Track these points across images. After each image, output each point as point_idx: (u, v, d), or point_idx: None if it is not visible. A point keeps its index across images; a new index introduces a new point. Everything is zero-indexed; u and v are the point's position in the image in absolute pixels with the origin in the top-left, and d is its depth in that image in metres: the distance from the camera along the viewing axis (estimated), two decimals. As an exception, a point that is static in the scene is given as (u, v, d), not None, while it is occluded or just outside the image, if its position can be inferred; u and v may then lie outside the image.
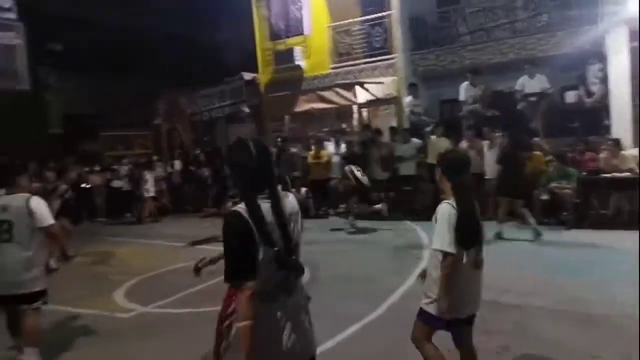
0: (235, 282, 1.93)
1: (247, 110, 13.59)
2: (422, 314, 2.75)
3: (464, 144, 8.74)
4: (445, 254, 2.58)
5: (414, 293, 4.99)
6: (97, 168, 12.80)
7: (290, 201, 2.08)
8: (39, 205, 3.67)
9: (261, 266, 1.89)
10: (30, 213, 3.60)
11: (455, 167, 2.71)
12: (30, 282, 3.60)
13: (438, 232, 2.62)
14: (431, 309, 2.68)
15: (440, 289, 2.60)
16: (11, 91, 10.67)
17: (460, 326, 2.75)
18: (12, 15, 10.47)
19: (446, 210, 2.62)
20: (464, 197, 2.64)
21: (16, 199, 3.65)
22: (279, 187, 2.05)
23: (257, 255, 1.88)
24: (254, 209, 1.92)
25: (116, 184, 12.66)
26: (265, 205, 1.95)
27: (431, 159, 9.19)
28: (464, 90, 9.45)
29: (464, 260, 2.61)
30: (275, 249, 1.90)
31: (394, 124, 11.09)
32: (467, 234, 2.59)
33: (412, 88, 10.69)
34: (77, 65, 15.98)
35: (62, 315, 5.00)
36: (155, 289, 5.80)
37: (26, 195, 3.70)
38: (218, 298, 5.17)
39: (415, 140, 9.70)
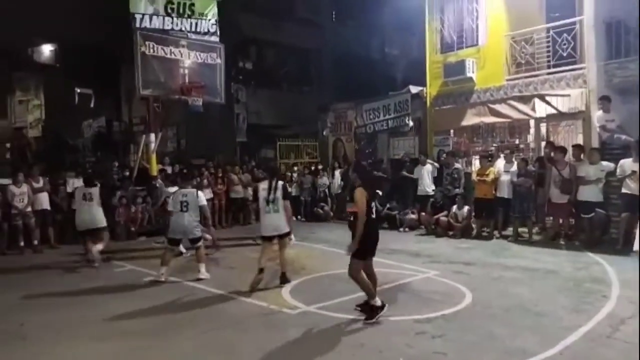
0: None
1: (410, 123, 13.53)
2: None
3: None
4: None
5: (599, 335, 4.36)
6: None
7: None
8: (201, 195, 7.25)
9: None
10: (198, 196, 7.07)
11: None
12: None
13: None
14: None
15: None
16: (212, 104, 12.45)
17: None
18: (215, 38, 12.23)
19: None
20: None
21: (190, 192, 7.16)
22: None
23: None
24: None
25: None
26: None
27: (626, 187, 7.95)
28: (597, 119, 9.30)
29: None
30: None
31: (580, 141, 9.86)
32: None
33: (605, 101, 9.34)
34: (262, 80, 17.96)
35: (241, 305, 5.66)
36: (318, 291, 6.10)
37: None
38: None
39: (605, 163, 8.48)
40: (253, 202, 8.73)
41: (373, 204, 5.04)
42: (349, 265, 4.97)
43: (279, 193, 6.33)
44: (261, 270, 6.21)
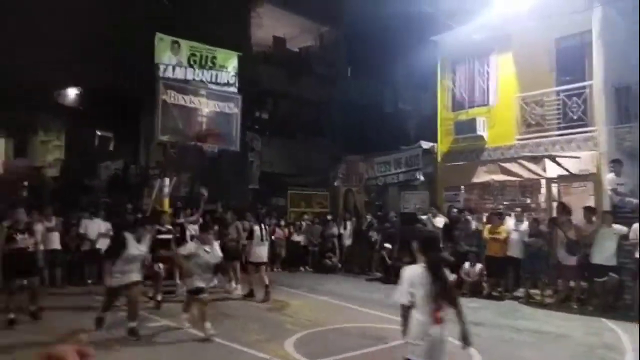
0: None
1: (421, 178, 13.62)
2: None
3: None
4: None
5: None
6: (282, 223, 14.10)
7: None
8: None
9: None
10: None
11: None
12: None
13: None
14: None
15: None
16: (227, 152, 12.76)
17: None
18: (233, 89, 12.71)
19: None
20: None
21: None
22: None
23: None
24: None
25: (295, 238, 13.80)
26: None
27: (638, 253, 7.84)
28: (608, 182, 9.18)
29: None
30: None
31: (591, 203, 9.81)
32: None
33: (616, 164, 9.38)
34: (277, 130, 18.39)
35: (242, 356, 5.53)
36: (321, 345, 5.98)
37: None
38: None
39: (618, 226, 8.39)
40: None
41: None
42: None
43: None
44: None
